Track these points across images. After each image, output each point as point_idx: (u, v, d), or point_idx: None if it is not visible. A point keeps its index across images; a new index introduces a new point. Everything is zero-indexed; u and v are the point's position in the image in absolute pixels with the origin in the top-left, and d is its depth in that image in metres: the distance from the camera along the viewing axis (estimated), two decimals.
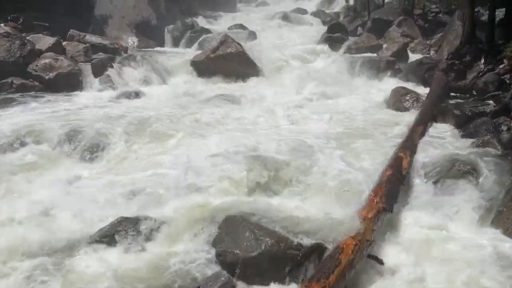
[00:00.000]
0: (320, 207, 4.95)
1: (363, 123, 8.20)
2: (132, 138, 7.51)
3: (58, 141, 7.18)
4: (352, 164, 6.23)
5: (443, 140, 6.95)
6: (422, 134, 6.95)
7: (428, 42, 16.38)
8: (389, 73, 13.16)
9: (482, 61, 9.93)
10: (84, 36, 12.61)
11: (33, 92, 10.39)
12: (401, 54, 14.78)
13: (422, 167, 5.89)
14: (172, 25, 18.08)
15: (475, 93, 9.68)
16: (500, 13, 13.82)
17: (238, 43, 12.74)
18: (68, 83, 10.80)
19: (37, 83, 10.72)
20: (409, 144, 6.28)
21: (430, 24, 18.73)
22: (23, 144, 7.03)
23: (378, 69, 13.38)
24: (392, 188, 4.93)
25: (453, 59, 11.89)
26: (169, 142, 7.41)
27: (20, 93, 10.20)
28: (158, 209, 5.20)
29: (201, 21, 20.74)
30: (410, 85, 11.04)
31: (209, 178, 5.77)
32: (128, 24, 17.04)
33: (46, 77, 10.77)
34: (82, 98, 10.30)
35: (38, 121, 7.86)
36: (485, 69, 9.58)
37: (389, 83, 12.01)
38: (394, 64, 13.68)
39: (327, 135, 7.40)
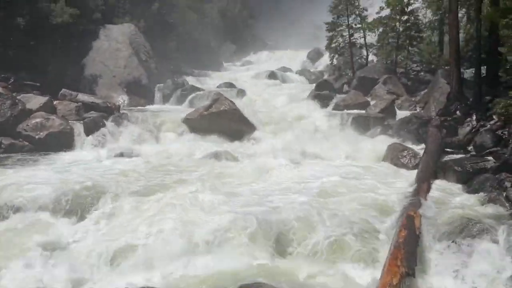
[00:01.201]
0: (336, 270, 4.69)
1: (363, 179, 8.09)
2: (126, 199, 7.18)
3: (50, 204, 6.82)
4: (361, 223, 6.05)
5: (449, 197, 6.85)
6: (427, 191, 6.86)
7: (413, 99, 16.87)
8: (379, 129, 13.33)
9: (474, 117, 10.14)
10: (76, 95, 12.57)
11: (22, 153, 10.14)
12: (389, 111, 15.02)
13: (433, 226, 5.71)
14: (163, 84, 18.29)
15: (469, 149, 9.79)
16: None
17: (231, 101, 12.84)
18: (59, 142, 10.60)
19: (26, 143, 10.50)
20: (417, 202, 6.16)
21: (412, 82, 19.42)
22: (13, 209, 6.66)
23: (369, 125, 13.59)
24: (410, 250, 4.73)
25: (443, 116, 12.21)
26: (164, 203, 7.07)
27: (9, 154, 9.92)
28: (159, 274, 4.89)
29: (190, 80, 21.08)
30: (402, 141, 11.16)
31: (215, 242, 5.50)
32: (119, 83, 17.17)
33: (37, 137, 10.56)
34: (73, 157, 10.03)
35: (28, 183, 7.48)
36: (477, 126, 9.76)
37: (382, 139, 12.12)
38: (383, 120, 13.92)
39: (329, 193, 7.22)
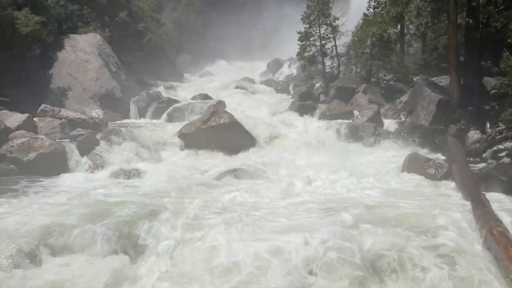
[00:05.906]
0: None
1: (404, 192, 7.81)
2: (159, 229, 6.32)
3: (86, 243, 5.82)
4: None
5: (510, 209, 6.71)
6: (489, 204, 6.65)
7: (396, 107, 17.08)
8: (373, 139, 13.31)
9: (488, 125, 10.29)
10: (59, 111, 11.28)
11: (10, 177, 8.79)
12: (376, 120, 15.06)
13: None
14: (137, 96, 17.11)
15: (484, 156, 9.89)
16: None
17: (230, 113, 12.15)
18: (52, 164, 9.30)
19: (13, 166, 9.11)
20: (494, 216, 5.91)
21: (385, 91, 19.77)
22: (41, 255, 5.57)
23: (364, 135, 13.56)
24: None
25: (435, 124, 12.41)
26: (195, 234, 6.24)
27: None
28: None
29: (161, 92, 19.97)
30: (409, 150, 11.01)
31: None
32: (91, 96, 15.79)
33: (25, 159, 9.22)
34: (73, 181, 8.83)
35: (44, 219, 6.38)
36: (493, 133, 9.89)
37: (386, 149, 12.05)
38: (375, 129, 13.95)
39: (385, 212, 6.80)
